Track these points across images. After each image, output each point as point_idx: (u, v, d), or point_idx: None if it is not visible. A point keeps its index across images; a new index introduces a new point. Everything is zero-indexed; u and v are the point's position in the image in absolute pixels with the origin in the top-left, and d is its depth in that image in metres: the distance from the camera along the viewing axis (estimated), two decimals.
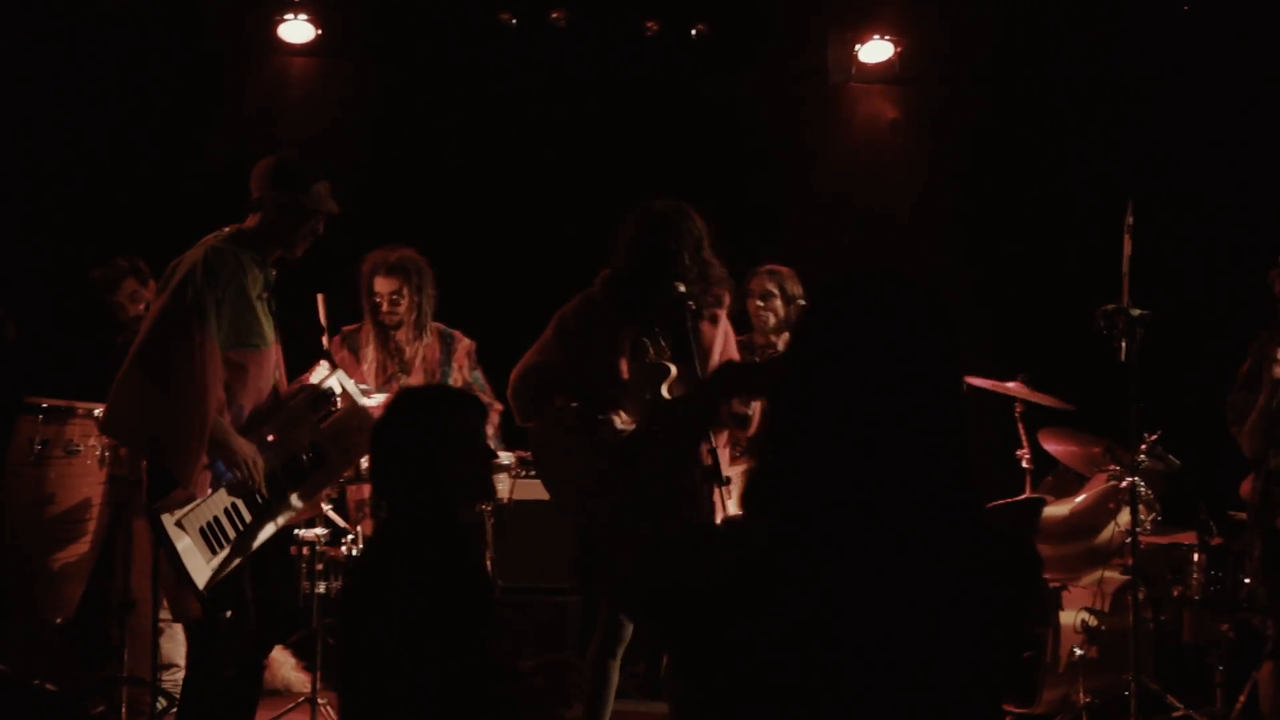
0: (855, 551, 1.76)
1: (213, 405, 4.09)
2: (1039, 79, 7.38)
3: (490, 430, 5.63)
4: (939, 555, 1.78)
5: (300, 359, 4.64)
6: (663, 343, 4.42)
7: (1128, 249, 5.40)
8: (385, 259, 5.70)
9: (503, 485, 5.49)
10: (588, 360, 4.38)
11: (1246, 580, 5.33)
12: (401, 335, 5.71)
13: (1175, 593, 5.61)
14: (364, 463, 5.33)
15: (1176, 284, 6.59)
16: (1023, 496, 6.14)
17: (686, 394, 4.29)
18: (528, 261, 7.11)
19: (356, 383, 5.58)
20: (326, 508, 5.27)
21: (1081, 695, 5.59)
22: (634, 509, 2.01)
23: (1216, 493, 5.74)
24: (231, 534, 4.16)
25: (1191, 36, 7.03)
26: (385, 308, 5.66)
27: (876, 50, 7.44)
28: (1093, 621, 5.69)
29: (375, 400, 5.49)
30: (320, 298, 5.21)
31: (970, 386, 5.94)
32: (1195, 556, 5.52)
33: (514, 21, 7.28)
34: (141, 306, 5.62)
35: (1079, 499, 5.90)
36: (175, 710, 4.44)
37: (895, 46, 7.41)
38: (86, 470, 5.39)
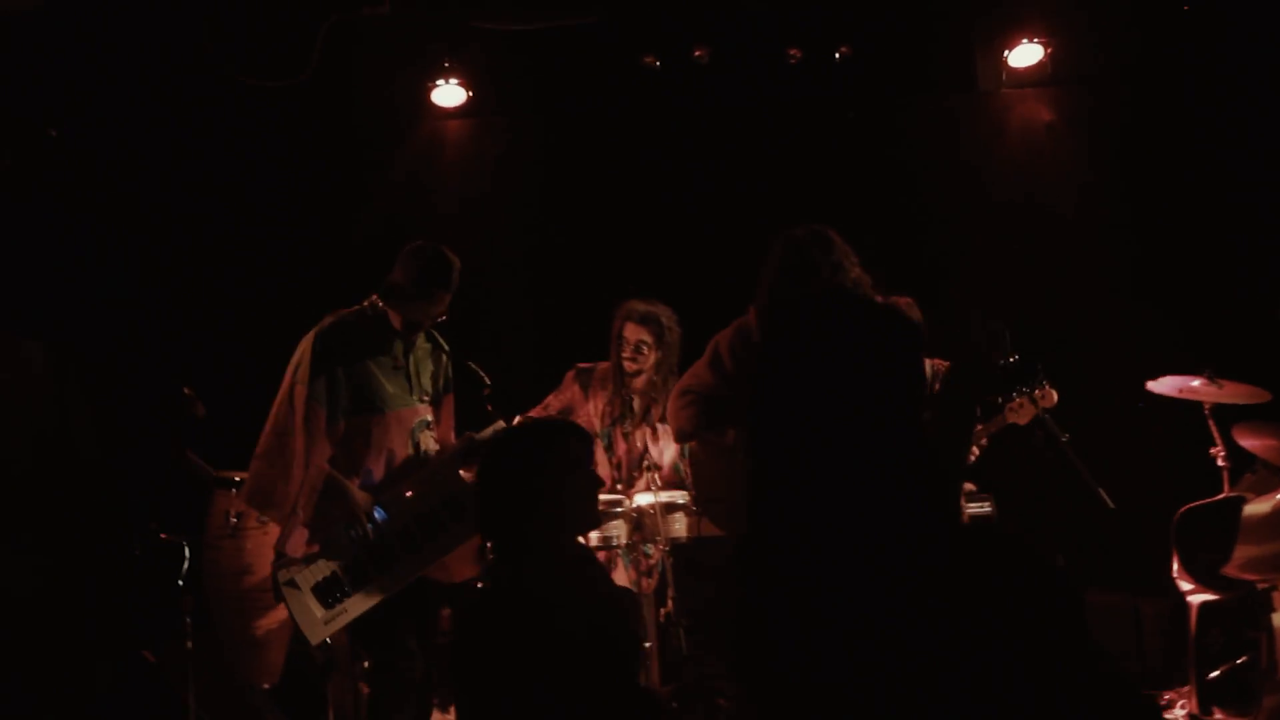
0: (813, 559, 1.84)
1: (307, 470, 4.29)
2: (1190, 66, 7.14)
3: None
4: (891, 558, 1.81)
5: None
6: None
7: None
8: (639, 308, 5.83)
9: (679, 524, 5.49)
10: (740, 388, 4.41)
11: None
12: (637, 384, 5.80)
13: None
14: None
15: None
16: (1220, 496, 5.90)
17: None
18: (691, 299, 7.14)
19: (582, 423, 5.73)
20: None
21: None
22: None
23: None
24: (350, 589, 4.33)
25: None
26: (629, 354, 5.77)
27: (1026, 54, 7.29)
28: None
29: None
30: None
31: (1154, 394, 5.77)
32: None
33: (658, 64, 7.35)
34: None
35: (1263, 500, 5.64)
36: None
37: (1045, 49, 7.25)
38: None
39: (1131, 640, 6.51)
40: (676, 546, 5.46)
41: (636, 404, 5.78)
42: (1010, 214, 7.38)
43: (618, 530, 5.50)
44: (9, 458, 4.43)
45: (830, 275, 4.33)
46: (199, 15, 6.40)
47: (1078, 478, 5.31)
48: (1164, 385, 5.89)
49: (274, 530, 5.53)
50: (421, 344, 4.76)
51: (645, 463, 5.61)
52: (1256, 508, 5.69)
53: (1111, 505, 5.27)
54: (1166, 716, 5.72)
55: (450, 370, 4.78)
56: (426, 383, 4.77)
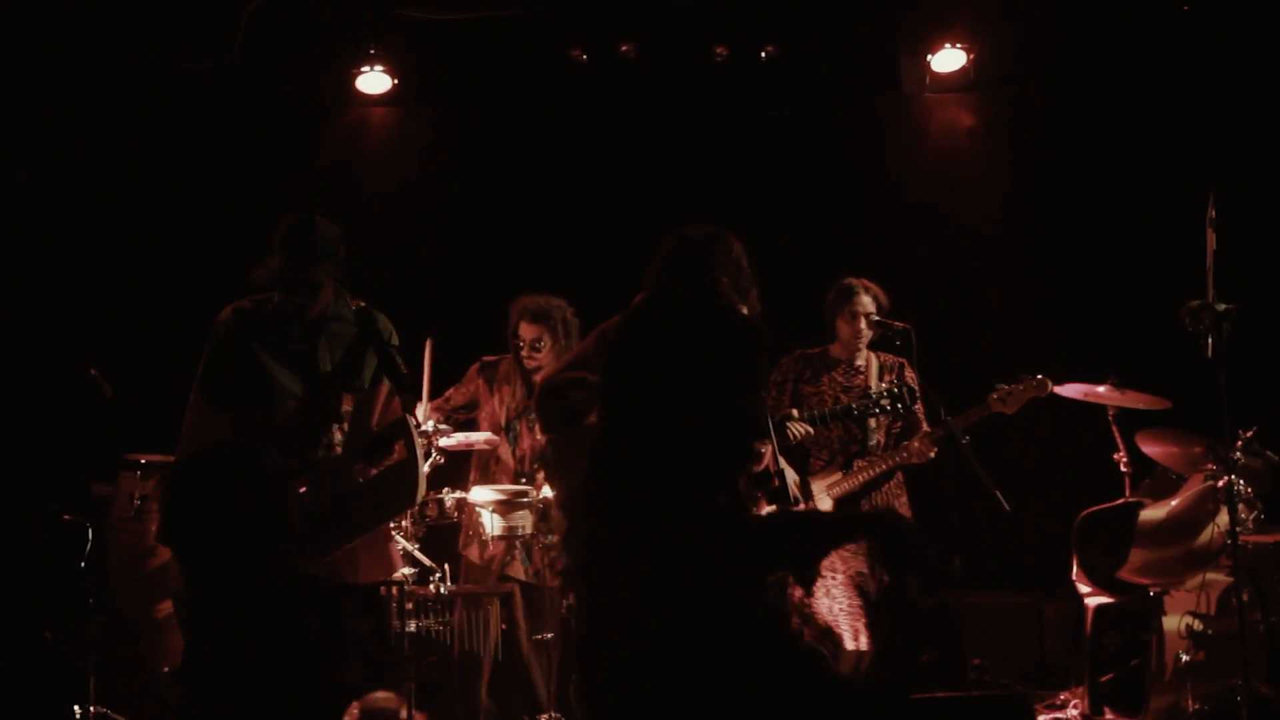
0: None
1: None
2: (1113, 75, 7.26)
3: None
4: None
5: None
6: None
7: (1211, 243, 5.26)
8: (532, 305, 5.84)
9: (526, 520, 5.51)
10: None
11: None
12: (539, 379, 5.80)
13: None
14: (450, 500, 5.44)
15: (1266, 276, 6.42)
16: (1119, 501, 6.01)
17: None
18: (615, 296, 7.16)
19: (486, 417, 5.74)
20: (412, 547, 5.35)
21: (1190, 702, 5.43)
22: None
23: None
24: None
25: (1263, 22, 6.85)
26: (526, 353, 5.81)
27: (949, 59, 7.37)
28: (1198, 626, 5.54)
29: (454, 440, 5.61)
30: (429, 344, 5.36)
31: (1058, 397, 5.87)
32: None
33: (584, 57, 7.37)
34: None
35: (1175, 501, 5.75)
36: None
37: (967, 54, 7.34)
38: None
39: (1034, 641, 6.62)
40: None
41: None
42: (930, 217, 7.47)
43: (523, 521, 5.52)
44: None
45: (715, 276, 4.32)
46: None
47: (976, 480, 5.40)
48: (1071, 390, 5.98)
49: None
50: (342, 330, 4.56)
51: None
52: (1152, 513, 5.79)
53: (1007, 507, 5.36)
54: (1060, 716, 5.82)
55: (386, 359, 4.55)
56: (339, 371, 4.61)
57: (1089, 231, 7.29)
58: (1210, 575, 5.59)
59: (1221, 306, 5.22)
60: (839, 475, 5.67)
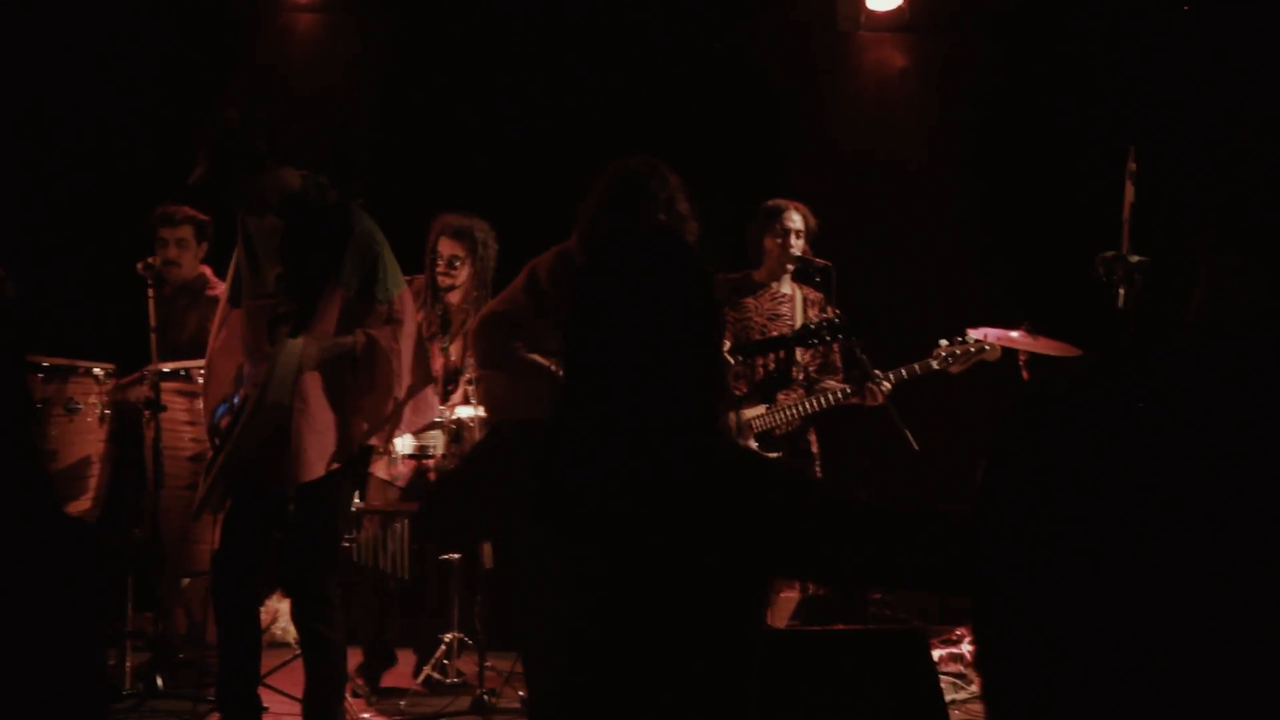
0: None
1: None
2: (1045, 25, 7.29)
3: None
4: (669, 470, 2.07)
5: None
6: None
7: (1129, 196, 5.31)
8: (453, 222, 5.77)
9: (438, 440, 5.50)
10: (554, 313, 4.40)
11: None
12: (452, 299, 5.77)
13: None
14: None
15: (1182, 232, 6.50)
16: None
17: None
18: (539, 215, 7.12)
19: None
20: None
21: None
22: None
23: None
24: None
25: None
26: (442, 268, 5.74)
27: None
28: None
29: None
30: None
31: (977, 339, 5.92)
32: None
33: None
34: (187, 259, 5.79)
35: None
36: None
37: None
38: (87, 428, 5.46)
39: None
40: None
41: (455, 320, 5.77)
42: (858, 155, 7.49)
43: (435, 441, 5.50)
44: None
45: (656, 210, 4.31)
46: None
47: (886, 418, 5.46)
48: (984, 334, 6.04)
49: (79, 419, 5.44)
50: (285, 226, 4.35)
51: (467, 375, 5.60)
52: None
53: (916, 447, 5.42)
54: (955, 651, 5.93)
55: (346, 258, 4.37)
56: (273, 271, 4.46)
57: (1013, 179, 7.34)
58: None
59: (1135, 258, 5.29)
60: (762, 409, 5.64)
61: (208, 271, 5.94)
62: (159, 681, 5.23)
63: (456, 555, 5.55)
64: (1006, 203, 7.33)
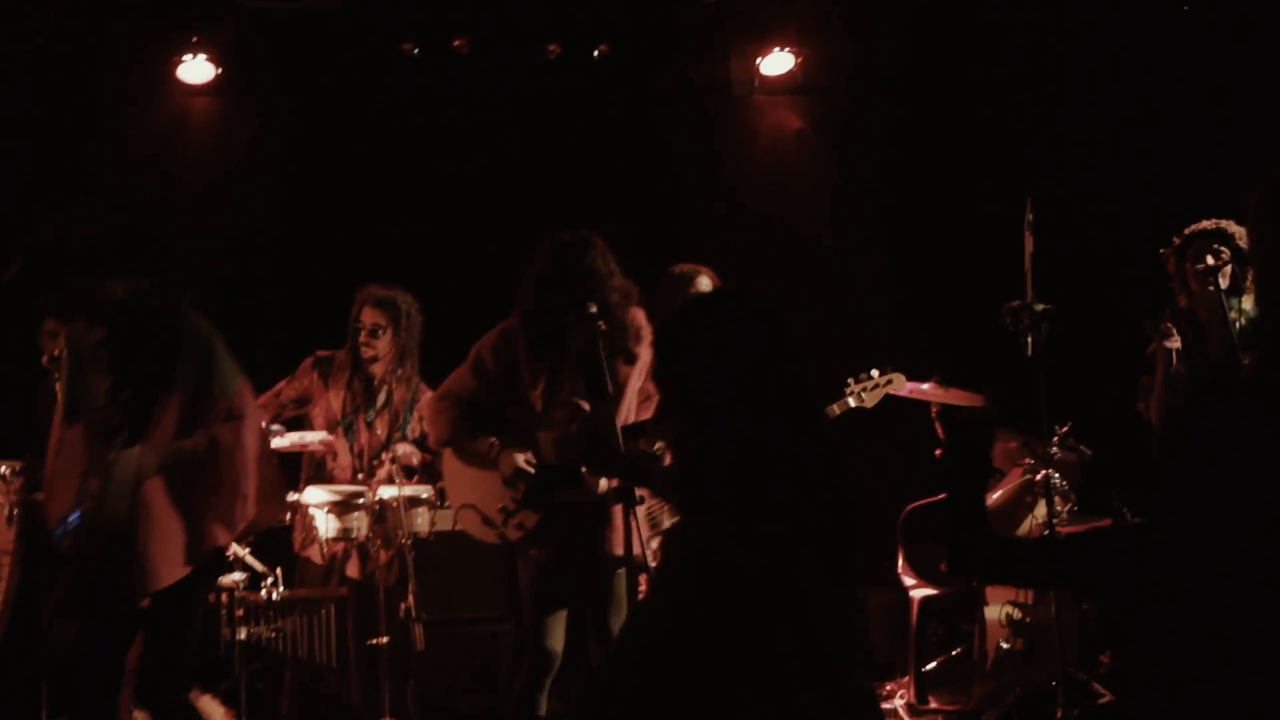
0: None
1: None
2: (937, 82, 7.47)
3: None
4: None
5: None
6: (578, 380, 4.43)
7: (1029, 245, 5.46)
8: (376, 293, 5.75)
9: (422, 519, 5.46)
10: (503, 393, 4.44)
11: None
12: (375, 370, 5.73)
13: None
14: None
15: (1083, 277, 6.69)
16: (943, 495, 6.17)
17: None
18: (445, 289, 7.10)
19: (320, 413, 5.62)
20: (243, 552, 5.23)
21: (1010, 689, 5.64)
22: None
23: (1132, 478, 5.81)
24: None
25: (1085, 33, 7.14)
26: (364, 338, 5.70)
27: (778, 62, 7.50)
28: (1018, 615, 5.75)
29: (287, 440, 5.49)
30: None
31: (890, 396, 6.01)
32: None
33: (416, 51, 7.27)
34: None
35: (995, 495, 5.96)
36: None
37: (796, 57, 7.47)
38: None
39: (860, 633, 6.78)
40: (417, 541, 5.43)
41: (380, 393, 5.73)
42: (759, 217, 7.58)
43: (358, 522, 5.44)
44: None
45: (592, 284, 4.34)
46: None
47: None
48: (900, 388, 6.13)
49: None
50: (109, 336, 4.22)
51: (389, 454, 5.56)
52: None
53: None
54: (887, 707, 5.97)
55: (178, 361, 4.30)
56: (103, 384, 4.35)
57: (915, 234, 7.48)
58: None
59: (1040, 306, 5.43)
60: None
61: None
62: None
63: (385, 639, 5.44)
64: (911, 258, 7.46)
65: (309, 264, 7.26)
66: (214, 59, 7.13)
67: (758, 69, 7.55)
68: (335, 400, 5.75)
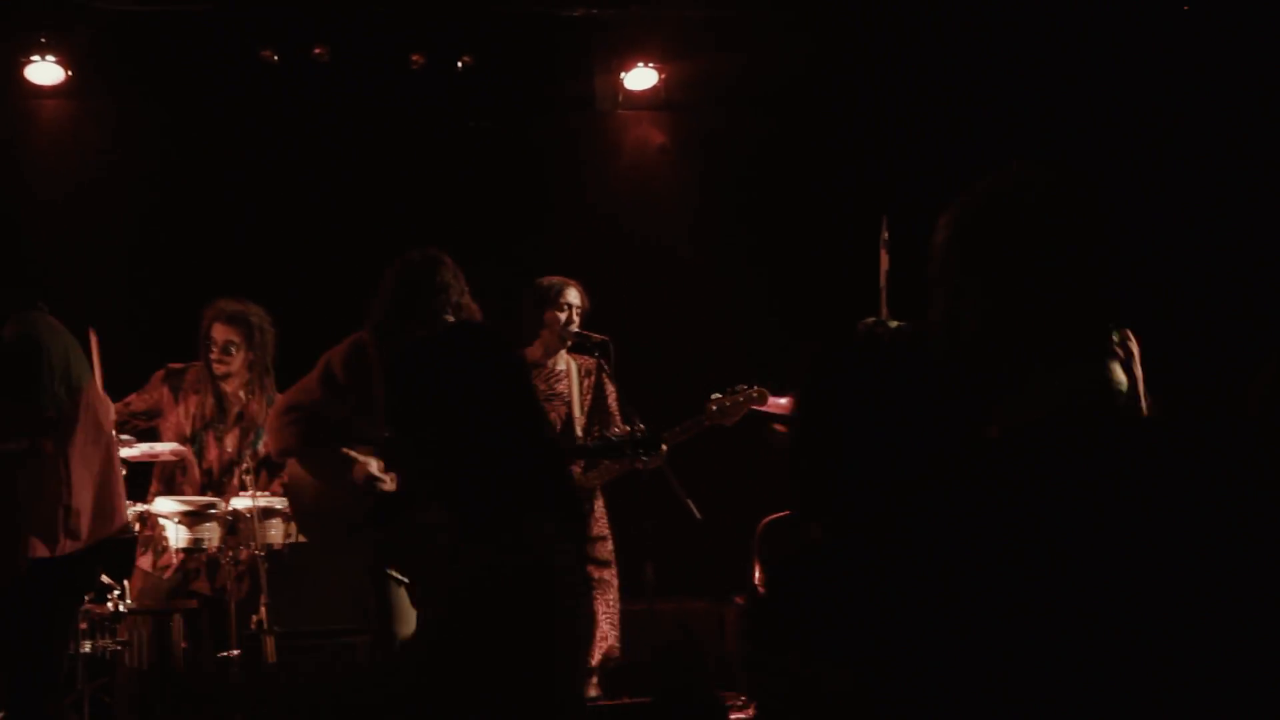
0: None
1: None
2: (797, 100, 7.59)
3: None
4: None
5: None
6: None
7: (885, 263, 5.57)
8: (227, 308, 5.66)
9: (276, 531, 5.38)
10: (354, 404, 4.46)
11: None
12: (228, 387, 5.63)
13: None
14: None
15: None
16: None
17: None
18: (301, 299, 7.00)
19: (170, 427, 5.49)
20: None
21: None
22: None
23: None
24: None
25: (942, 49, 7.30)
26: (216, 355, 5.62)
27: (641, 78, 7.55)
28: None
29: (137, 450, 5.36)
30: (92, 333, 5.05)
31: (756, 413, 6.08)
32: None
33: (276, 59, 7.16)
34: None
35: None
36: None
37: (660, 74, 7.54)
38: None
39: (715, 644, 6.83)
40: (272, 552, 5.35)
41: (232, 408, 5.65)
42: (622, 233, 7.62)
43: (210, 534, 5.33)
44: None
45: (442, 302, 4.45)
46: None
47: (670, 489, 5.55)
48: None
49: None
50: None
51: (244, 466, 5.49)
52: None
53: (699, 516, 5.52)
54: (740, 717, 6.00)
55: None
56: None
57: (776, 249, 7.58)
58: None
59: (894, 323, 5.53)
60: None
61: None
62: None
63: (236, 652, 5.34)
64: (772, 274, 7.56)
65: (161, 273, 7.10)
66: (63, 61, 6.94)
67: (622, 84, 7.60)
68: (185, 415, 5.64)
